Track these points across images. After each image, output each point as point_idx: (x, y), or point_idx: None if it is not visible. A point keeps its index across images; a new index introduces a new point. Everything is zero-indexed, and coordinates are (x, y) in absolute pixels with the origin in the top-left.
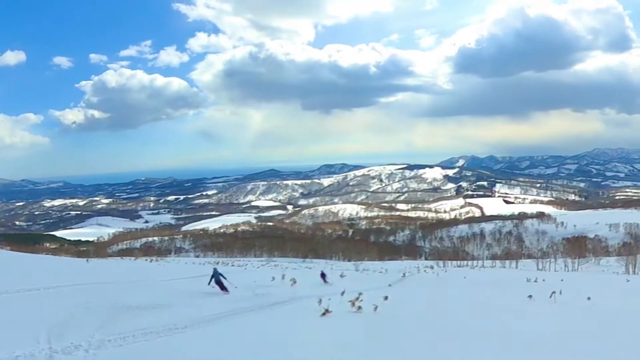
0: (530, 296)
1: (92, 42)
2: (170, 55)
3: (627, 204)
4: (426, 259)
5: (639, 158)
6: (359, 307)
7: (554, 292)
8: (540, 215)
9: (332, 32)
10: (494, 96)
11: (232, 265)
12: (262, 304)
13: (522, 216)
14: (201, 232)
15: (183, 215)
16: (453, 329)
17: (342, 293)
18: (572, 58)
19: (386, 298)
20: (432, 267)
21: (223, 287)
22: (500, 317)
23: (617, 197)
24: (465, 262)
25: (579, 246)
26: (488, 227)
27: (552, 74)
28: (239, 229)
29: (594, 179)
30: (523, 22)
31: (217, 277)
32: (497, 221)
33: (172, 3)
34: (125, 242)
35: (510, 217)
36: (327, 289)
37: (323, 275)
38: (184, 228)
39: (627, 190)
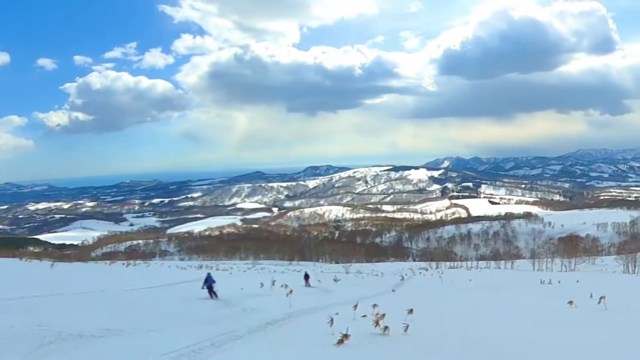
0: (571, 302)
1: (77, 43)
2: (155, 57)
3: (613, 203)
4: (414, 260)
5: (622, 159)
6: (385, 328)
7: (602, 297)
8: (527, 216)
9: (318, 33)
10: (478, 98)
11: (217, 269)
12: (252, 326)
13: (509, 217)
14: (186, 234)
15: (168, 218)
16: (518, 351)
17: (355, 306)
18: (556, 60)
19: (411, 311)
20: (426, 269)
21: (212, 293)
22: (561, 330)
23: (601, 198)
24: (459, 263)
25: (572, 246)
26: (475, 227)
27: (536, 76)
28: (224, 231)
29: (578, 180)
30: (507, 24)
31: (209, 282)
32: (484, 222)
33: (157, 4)
34: (109, 245)
35: (498, 218)
36: (329, 298)
37: (306, 277)
38: (169, 231)
39: (612, 190)
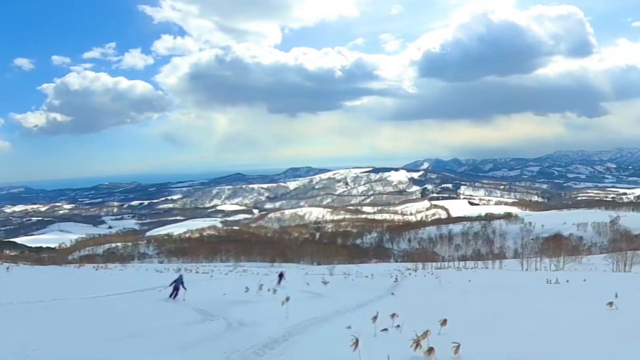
0: (610, 304)
1: (55, 43)
2: (135, 58)
3: (591, 204)
4: (396, 261)
5: (599, 160)
6: (430, 350)
7: None
8: (507, 216)
9: (299, 35)
10: (457, 100)
11: (197, 272)
12: (244, 350)
13: (490, 217)
14: (165, 237)
15: (147, 221)
16: None
17: (375, 318)
18: (534, 63)
19: (444, 322)
20: (414, 270)
21: (175, 294)
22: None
23: (579, 198)
24: (445, 263)
25: (557, 245)
26: (456, 228)
27: (514, 79)
28: (205, 233)
29: (556, 181)
30: (487, 28)
31: (177, 283)
32: (464, 222)
33: (137, 5)
34: (87, 248)
35: (478, 219)
36: (326, 305)
37: (281, 276)
38: (148, 233)
39: (589, 191)
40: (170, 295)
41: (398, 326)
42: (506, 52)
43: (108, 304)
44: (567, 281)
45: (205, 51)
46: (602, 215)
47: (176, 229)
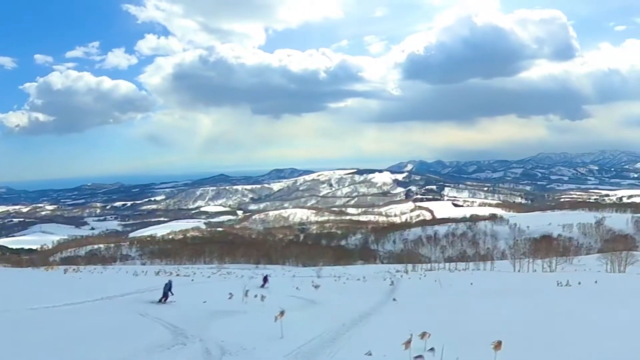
0: None
1: (38, 42)
2: (118, 57)
3: (575, 205)
4: (382, 262)
5: (581, 162)
6: None
7: None
8: (492, 217)
9: (283, 36)
10: (441, 102)
11: (178, 275)
12: None
13: (475, 218)
14: (148, 238)
15: (130, 222)
16: None
17: (408, 342)
18: (517, 66)
19: (498, 345)
20: (405, 272)
21: (165, 298)
22: None
23: (562, 200)
24: (435, 265)
25: (547, 246)
26: (442, 229)
27: (498, 81)
28: (188, 234)
29: (539, 183)
30: (470, 31)
31: (165, 289)
32: (450, 224)
33: (121, 4)
34: (69, 250)
35: (463, 220)
36: (324, 315)
37: (265, 279)
38: (131, 235)
39: (572, 192)
40: (160, 300)
41: (432, 349)
42: (490, 55)
43: (57, 316)
44: (579, 283)
45: (189, 51)
46: (586, 217)
47: (159, 230)
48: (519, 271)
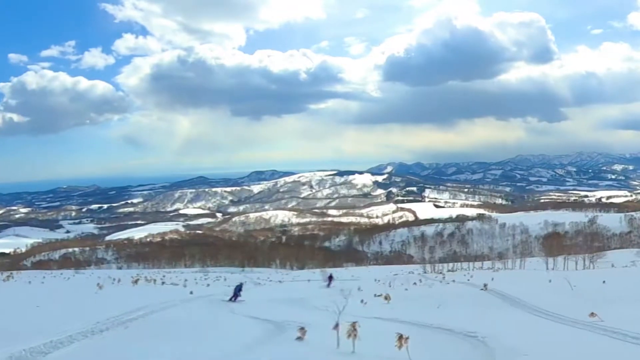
0: None
1: (11, 41)
2: (95, 57)
3: (557, 205)
4: (370, 264)
5: (559, 164)
6: None
7: None
8: (481, 217)
9: (264, 37)
10: (421, 104)
11: (163, 282)
12: None
13: (463, 218)
14: (125, 241)
15: (107, 225)
16: None
17: None
18: (496, 68)
19: None
20: (440, 272)
21: (235, 298)
22: None
23: (542, 201)
24: (455, 264)
25: (557, 243)
26: (429, 230)
27: (477, 84)
28: (167, 237)
29: (518, 184)
30: (450, 33)
31: (235, 291)
32: (436, 224)
33: (98, 2)
34: (43, 253)
35: (450, 220)
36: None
37: (330, 278)
38: (107, 238)
39: (551, 193)
40: (230, 299)
41: None
42: (469, 58)
43: None
44: None
45: (167, 52)
46: (574, 216)
47: (137, 233)
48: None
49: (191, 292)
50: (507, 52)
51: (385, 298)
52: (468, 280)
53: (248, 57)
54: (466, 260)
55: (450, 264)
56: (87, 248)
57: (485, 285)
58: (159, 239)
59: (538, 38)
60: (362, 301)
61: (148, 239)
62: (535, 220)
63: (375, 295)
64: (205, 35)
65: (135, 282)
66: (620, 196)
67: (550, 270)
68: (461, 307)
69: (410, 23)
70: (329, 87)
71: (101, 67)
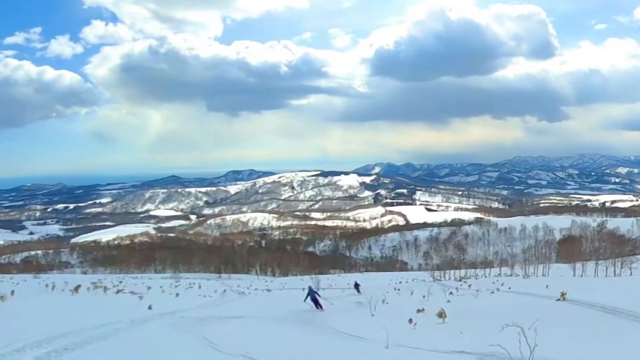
0: None
1: None
2: (62, 45)
3: (559, 210)
4: (359, 271)
5: (560, 166)
6: None
7: None
8: (479, 221)
9: (242, 27)
10: (412, 101)
11: (120, 291)
12: None
13: (459, 222)
14: (92, 244)
15: (73, 226)
16: None
17: None
18: (493, 64)
19: None
20: (460, 280)
21: (318, 305)
22: None
23: (541, 205)
24: (472, 271)
25: (574, 248)
26: (422, 234)
27: (472, 80)
28: (136, 240)
29: (516, 187)
30: (444, 25)
31: (312, 295)
32: (430, 228)
33: None
34: (4, 256)
35: (445, 224)
36: None
37: (357, 286)
38: (73, 240)
39: (551, 197)
40: (317, 307)
41: None
42: (464, 52)
43: None
44: None
45: (139, 41)
46: (577, 221)
47: (105, 235)
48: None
49: (150, 307)
50: (505, 47)
51: (440, 315)
52: (509, 288)
53: (225, 48)
54: (469, 267)
55: (458, 271)
56: (51, 251)
57: (562, 294)
58: (128, 242)
59: (538, 32)
60: (410, 321)
61: (116, 242)
62: (537, 225)
63: (418, 310)
64: (179, 24)
65: (76, 290)
66: (626, 200)
67: (592, 277)
68: (561, 328)
69: (400, 14)
70: (312, 81)
71: (68, 56)
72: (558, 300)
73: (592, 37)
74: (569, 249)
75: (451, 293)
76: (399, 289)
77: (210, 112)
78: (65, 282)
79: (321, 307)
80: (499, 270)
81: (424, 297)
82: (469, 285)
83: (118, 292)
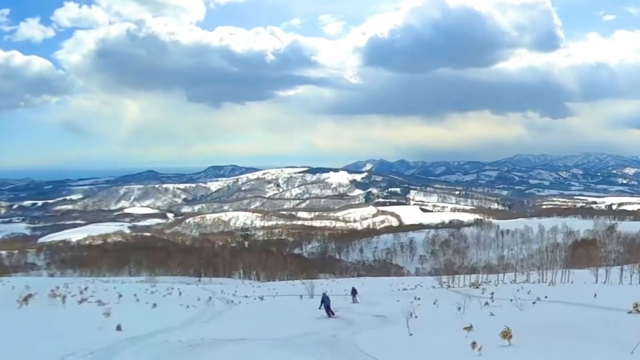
0: None
1: None
2: (32, 29)
3: (564, 212)
4: (353, 275)
5: (564, 166)
6: None
7: None
8: (479, 223)
9: (226, 11)
10: (406, 94)
11: (83, 301)
12: None
13: (457, 224)
14: (60, 244)
15: (41, 225)
16: None
17: None
18: (494, 55)
19: None
20: (476, 286)
21: (330, 312)
22: None
23: (544, 206)
24: (484, 276)
25: (590, 252)
26: (418, 237)
27: (471, 72)
28: (109, 240)
29: (516, 187)
30: (442, 13)
31: (326, 303)
32: (425, 230)
33: None
34: None
35: (443, 226)
36: None
37: (354, 293)
38: (40, 240)
39: (555, 199)
40: (328, 315)
41: None
42: (463, 42)
43: None
44: None
45: (115, 25)
46: (583, 224)
47: (75, 235)
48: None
49: (119, 328)
50: (506, 38)
51: (504, 336)
52: (546, 297)
53: (207, 34)
54: (470, 272)
55: (468, 277)
56: (16, 251)
57: (636, 306)
58: (100, 242)
59: (543, 22)
60: (473, 345)
61: (87, 242)
62: (542, 227)
63: (465, 328)
64: (158, 6)
65: (25, 300)
66: (634, 203)
67: (618, 284)
68: None
69: (396, 0)
70: (300, 71)
71: (39, 41)
72: (630, 312)
73: (600, 29)
74: (585, 253)
75: (487, 304)
76: (419, 298)
77: (190, 103)
78: (27, 286)
79: (333, 314)
80: (513, 275)
81: (459, 309)
82: (492, 294)
83: (82, 301)
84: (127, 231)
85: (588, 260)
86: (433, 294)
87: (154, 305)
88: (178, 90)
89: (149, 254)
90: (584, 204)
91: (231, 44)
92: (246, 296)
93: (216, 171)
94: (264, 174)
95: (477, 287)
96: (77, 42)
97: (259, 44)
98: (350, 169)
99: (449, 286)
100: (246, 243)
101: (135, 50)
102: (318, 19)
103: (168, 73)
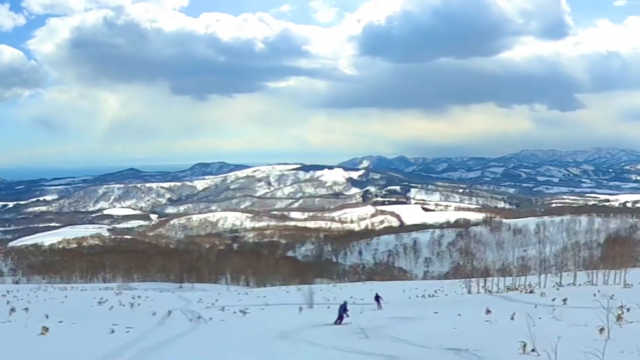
0: None
1: None
2: (1, 16)
3: (577, 211)
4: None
5: (573, 161)
6: None
7: None
8: (488, 222)
9: None
10: (405, 85)
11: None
12: None
13: (465, 223)
14: (31, 248)
15: (12, 228)
16: None
17: None
18: (498, 44)
19: None
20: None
21: (341, 320)
22: None
23: (554, 205)
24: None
25: (624, 250)
26: (422, 237)
27: (474, 62)
28: (85, 243)
29: (524, 184)
30: None
31: (344, 307)
32: (428, 230)
33: None
34: None
35: (449, 225)
36: None
37: (377, 299)
38: (11, 244)
39: (565, 197)
40: (335, 322)
41: None
42: (465, 30)
43: None
44: None
45: (92, 11)
46: (600, 223)
47: (49, 238)
48: None
49: None
50: (511, 25)
51: None
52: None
53: (191, 21)
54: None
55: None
56: None
57: None
58: (74, 246)
59: (550, 9)
60: None
61: (61, 246)
62: (559, 226)
63: None
64: None
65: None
66: None
67: None
68: None
69: None
70: (292, 61)
71: (9, 29)
72: None
73: (611, 15)
74: (619, 252)
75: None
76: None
77: (174, 95)
78: None
79: (340, 321)
80: (545, 278)
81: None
82: (564, 300)
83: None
84: (106, 234)
85: (622, 259)
86: (476, 302)
87: (73, 323)
88: (161, 81)
89: (127, 258)
90: (596, 202)
91: (217, 32)
92: (225, 308)
93: (203, 169)
94: (254, 171)
95: (532, 292)
96: (50, 31)
97: (247, 32)
98: (346, 166)
99: (489, 291)
100: (235, 245)
101: (114, 39)
102: (309, 5)
103: (150, 63)
